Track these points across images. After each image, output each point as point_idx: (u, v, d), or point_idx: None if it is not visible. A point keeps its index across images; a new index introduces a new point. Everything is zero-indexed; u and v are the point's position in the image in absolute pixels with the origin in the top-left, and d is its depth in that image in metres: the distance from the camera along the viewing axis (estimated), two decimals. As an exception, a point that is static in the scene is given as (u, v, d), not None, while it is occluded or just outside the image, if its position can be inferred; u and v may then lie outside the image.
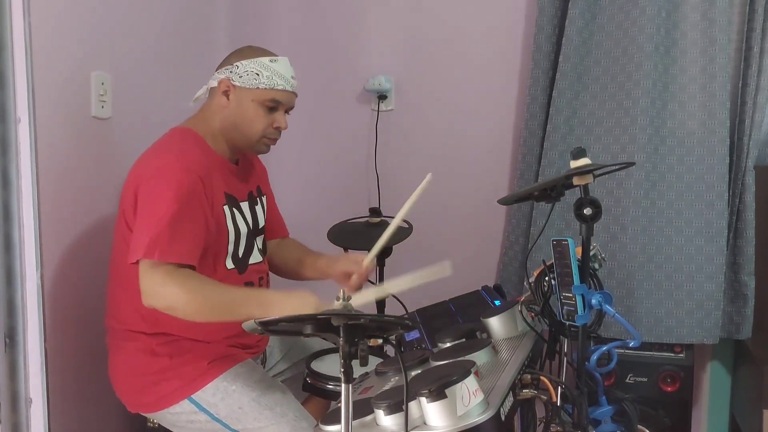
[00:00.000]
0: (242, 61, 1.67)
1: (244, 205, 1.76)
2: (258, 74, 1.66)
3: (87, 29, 1.83)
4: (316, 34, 2.60)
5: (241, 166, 1.79)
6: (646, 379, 2.15)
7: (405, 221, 2.18)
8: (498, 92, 2.43)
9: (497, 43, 2.42)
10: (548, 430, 1.41)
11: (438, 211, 2.49)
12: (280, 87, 1.68)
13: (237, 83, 1.66)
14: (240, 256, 1.72)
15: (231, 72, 1.67)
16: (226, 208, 1.67)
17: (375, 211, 2.19)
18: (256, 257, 1.77)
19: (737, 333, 2.17)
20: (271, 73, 1.67)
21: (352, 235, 2.16)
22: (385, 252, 2.15)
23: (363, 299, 1.64)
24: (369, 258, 1.75)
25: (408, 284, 1.60)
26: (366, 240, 2.11)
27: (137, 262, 1.50)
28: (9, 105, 1.59)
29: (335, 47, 2.58)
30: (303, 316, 1.12)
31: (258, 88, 1.66)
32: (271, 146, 1.77)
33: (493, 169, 2.45)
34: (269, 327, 1.14)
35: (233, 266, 1.69)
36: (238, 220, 1.71)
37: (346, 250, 2.11)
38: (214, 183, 1.64)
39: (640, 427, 1.74)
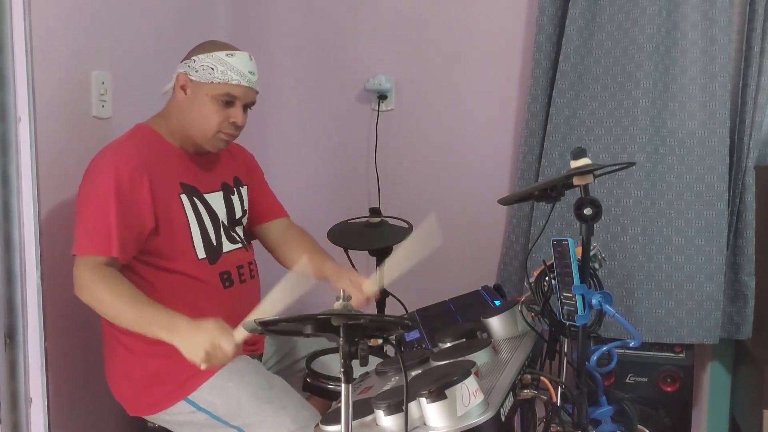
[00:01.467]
0: (199, 56, 1.66)
1: (215, 196, 1.76)
2: (213, 68, 1.64)
3: (87, 29, 1.83)
4: (316, 34, 2.60)
5: (210, 158, 1.78)
6: (646, 379, 2.15)
7: (405, 221, 2.18)
8: (498, 92, 2.43)
9: (497, 42, 2.41)
10: (548, 430, 1.42)
11: (438, 211, 2.47)
12: (234, 81, 1.65)
13: (193, 77, 1.66)
14: (213, 245, 1.72)
15: (188, 66, 1.67)
16: (183, 197, 1.67)
17: (375, 211, 2.19)
18: (230, 246, 1.76)
19: (737, 333, 2.17)
20: (226, 67, 1.65)
21: (352, 235, 2.16)
22: (385, 252, 2.15)
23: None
24: (370, 286, 1.69)
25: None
26: (366, 240, 2.12)
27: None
28: (9, 104, 1.60)
29: (335, 47, 2.58)
30: (303, 316, 1.11)
31: (212, 82, 1.64)
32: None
33: (493, 169, 2.45)
34: (269, 327, 1.14)
35: (205, 256, 1.69)
36: (201, 210, 1.71)
37: (346, 250, 2.11)
38: (165, 174, 1.64)
39: (640, 427, 1.73)
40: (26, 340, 1.64)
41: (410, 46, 2.50)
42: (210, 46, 1.70)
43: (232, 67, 1.65)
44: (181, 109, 1.69)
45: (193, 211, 1.69)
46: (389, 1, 2.52)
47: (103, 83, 1.87)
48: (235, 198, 1.83)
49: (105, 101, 1.88)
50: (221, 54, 1.66)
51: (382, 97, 2.51)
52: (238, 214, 1.83)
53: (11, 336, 1.63)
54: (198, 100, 1.66)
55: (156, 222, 1.61)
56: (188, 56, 1.70)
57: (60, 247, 1.73)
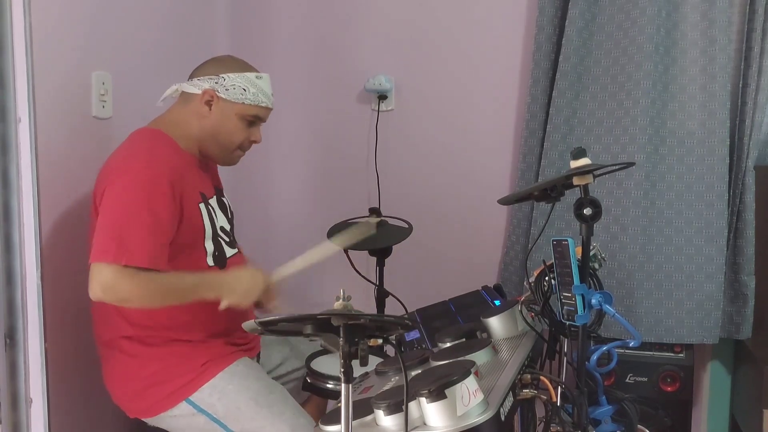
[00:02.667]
0: (229, 74, 1.68)
1: (213, 201, 1.77)
2: (245, 89, 1.68)
3: (87, 29, 1.83)
4: (316, 34, 2.60)
5: (205, 163, 1.80)
6: (646, 379, 2.15)
7: (405, 221, 2.18)
8: (498, 92, 2.43)
9: (497, 43, 2.41)
10: (548, 430, 1.42)
11: (438, 211, 2.49)
12: (264, 104, 1.72)
13: (222, 95, 1.68)
14: (220, 252, 1.72)
15: (216, 83, 1.68)
16: (201, 206, 1.68)
17: (375, 211, 2.19)
18: (230, 251, 1.77)
19: (737, 333, 2.17)
20: (257, 90, 1.70)
21: (352, 235, 2.16)
22: (385, 252, 2.15)
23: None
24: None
25: (301, 264, 1.71)
26: (366, 240, 2.11)
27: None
28: (9, 105, 1.59)
29: (335, 47, 2.58)
30: (303, 316, 1.12)
31: (243, 103, 1.69)
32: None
33: (493, 169, 2.45)
34: (269, 327, 1.14)
35: (213, 264, 1.70)
36: (213, 216, 1.72)
37: (346, 250, 2.11)
38: (188, 182, 1.64)
39: (640, 427, 1.74)
40: (26, 340, 1.64)
41: (410, 46, 2.50)
42: (236, 64, 1.72)
43: (261, 90, 1.71)
44: (203, 123, 1.70)
45: (209, 219, 1.70)
46: (389, 1, 2.52)
47: (103, 83, 1.87)
48: (223, 201, 1.84)
49: (105, 101, 1.88)
50: (252, 75, 1.70)
51: (382, 97, 2.51)
52: (229, 216, 1.84)
53: (11, 336, 1.63)
54: (224, 117, 1.69)
55: (179, 230, 1.61)
56: (213, 72, 1.70)
57: (60, 247, 1.74)
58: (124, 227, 1.51)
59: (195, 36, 2.38)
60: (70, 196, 1.78)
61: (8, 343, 1.62)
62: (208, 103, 1.69)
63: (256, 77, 1.70)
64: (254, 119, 1.73)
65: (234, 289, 1.60)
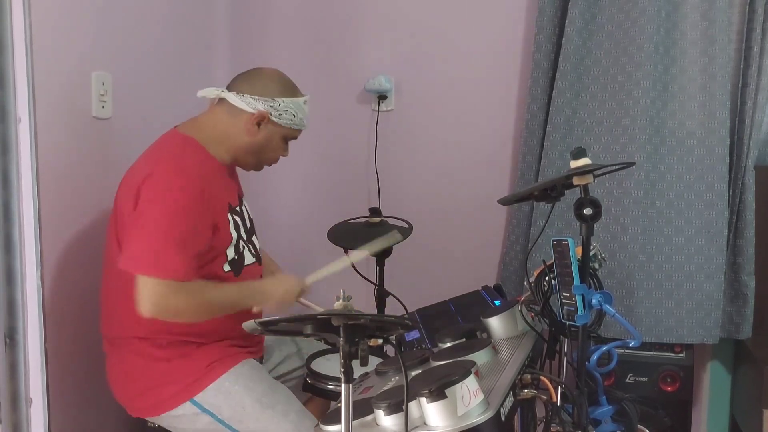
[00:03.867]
0: (284, 99, 1.70)
1: (239, 209, 1.78)
2: (295, 115, 1.73)
3: (88, 29, 1.83)
4: (316, 34, 2.60)
5: (231, 170, 1.82)
6: (646, 379, 2.15)
7: (405, 221, 2.18)
8: (498, 92, 2.43)
9: (497, 43, 2.41)
10: (548, 430, 1.42)
11: (438, 211, 2.49)
12: (305, 127, 1.78)
13: (276, 120, 1.71)
14: (237, 259, 1.72)
15: (271, 107, 1.69)
16: (229, 215, 1.69)
17: (375, 211, 2.19)
18: (250, 259, 1.77)
19: (737, 333, 2.17)
20: (303, 115, 1.75)
21: (352, 235, 2.16)
22: (385, 252, 2.15)
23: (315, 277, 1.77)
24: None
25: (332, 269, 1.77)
26: (366, 240, 2.12)
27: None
28: (9, 105, 1.60)
29: (335, 47, 2.58)
30: (303, 316, 1.12)
31: (291, 127, 1.74)
32: None
33: (493, 169, 2.45)
34: (269, 327, 1.14)
35: (230, 269, 1.69)
36: (239, 225, 1.73)
37: (346, 250, 2.11)
38: (216, 191, 1.65)
39: (640, 427, 1.74)
40: (26, 340, 1.64)
41: (410, 46, 2.50)
42: (288, 89, 1.74)
43: (306, 114, 1.76)
44: (248, 140, 1.71)
45: (235, 228, 1.71)
46: (389, 1, 2.52)
47: (103, 84, 1.87)
48: (244, 209, 1.84)
49: (105, 102, 1.89)
50: (300, 101, 1.74)
51: (382, 97, 2.51)
52: (249, 225, 1.84)
53: (11, 336, 1.63)
54: (271, 138, 1.74)
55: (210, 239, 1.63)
56: (268, 94, 1.69)
57: (60, 247, 1.74)
58: (161, 239, 1.52)
59: (195, 36, 2.38)
60: (70, 195, 1.78)
61: (8, 343, 1.63)
62: (258, 124, 1.71)
63: (304, 102, 1.75)
64: (293, 138, 1.79)
65: (271, 296, 1.68)
